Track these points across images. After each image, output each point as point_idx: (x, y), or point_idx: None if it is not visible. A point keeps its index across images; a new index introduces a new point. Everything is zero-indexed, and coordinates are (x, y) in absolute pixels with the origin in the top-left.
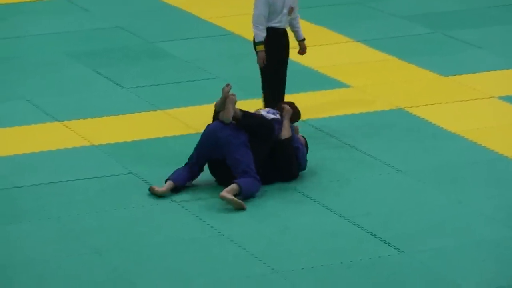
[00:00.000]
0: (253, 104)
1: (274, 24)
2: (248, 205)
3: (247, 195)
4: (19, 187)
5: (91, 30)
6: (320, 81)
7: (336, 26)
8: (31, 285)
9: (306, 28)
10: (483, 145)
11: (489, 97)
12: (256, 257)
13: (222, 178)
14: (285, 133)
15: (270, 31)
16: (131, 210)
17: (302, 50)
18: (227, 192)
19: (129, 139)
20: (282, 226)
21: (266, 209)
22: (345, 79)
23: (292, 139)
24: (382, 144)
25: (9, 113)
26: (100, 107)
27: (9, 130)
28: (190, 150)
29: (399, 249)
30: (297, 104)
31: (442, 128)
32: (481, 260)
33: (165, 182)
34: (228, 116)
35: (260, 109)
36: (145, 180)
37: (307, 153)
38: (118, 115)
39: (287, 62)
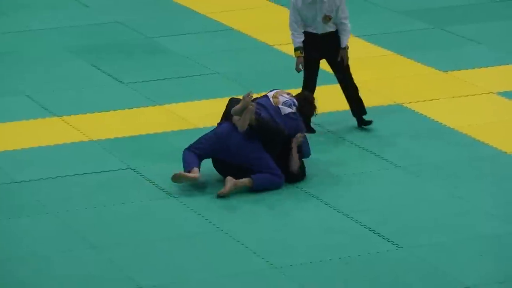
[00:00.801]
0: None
1: (310, 30)
2: (247, 201)
3: (258, 189)
4: (18, 182)
5: (90, 25)
6: (319, 76)
7: None
8: (30, 280)
9: None
10: (482, 140)
11: (488, 93)
12: (254, 253)
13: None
14: (294, 166)
15: (306, 35)
16: (129, 205)
17: (339, 59)
18: (233, 181)
19: (128, 134)
20: (281, 221)
21: (264, 205)
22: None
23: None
24: (381, 140)
25: (8, 108)
26: (99, 102)
27: (8, 125)
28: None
29: (397, 244)
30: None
31: (441, 123)
32: (480, 255)
33: (188, 171)
34: (244, 126)
35: (281, 94)
36: (144, 176)
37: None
38: (117, 110)
39: (315, 66)
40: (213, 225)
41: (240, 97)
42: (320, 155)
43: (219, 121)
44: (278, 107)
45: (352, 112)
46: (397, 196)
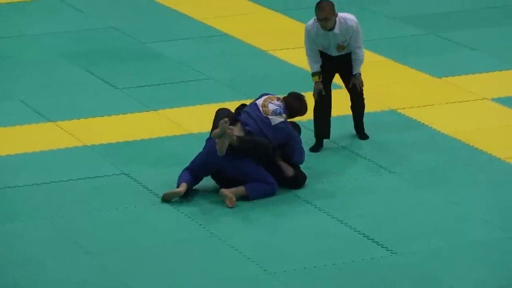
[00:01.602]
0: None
1: (326, 51)
2: (240, 206)
3: (254, 197)
4: (12, 187)
5: (84, 30)
6: (312, 82)
7: None
8: (23, 285)
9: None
10: (476, 146)
11: (482, 99)
12: (248, 258)
13: (225, 185)
14: (287, 171)
15: (322, 54)
16: (123, 211)
17: (350, 85)
18: (228, 191)
19: (121, 140)
20: (275, 227)
21: (258, 210)
22: (338, 80)
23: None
24: (375, 146)
25: (2, 113)
26: (93, 108)
27: (2, 130)
28: (183, 151)
29: (391, 250)
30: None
31: (435, 129)
32: (474, 261)
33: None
34: (222, 151)
35: (270, 102)
36: (138, 181)
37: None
38: (111, 115)
39: (328, 83)
40: (207, 230)
41: (231, 105)
42: (314, 161)
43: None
44: (268, 118)
45: (356, 130)
46: (391, 202)
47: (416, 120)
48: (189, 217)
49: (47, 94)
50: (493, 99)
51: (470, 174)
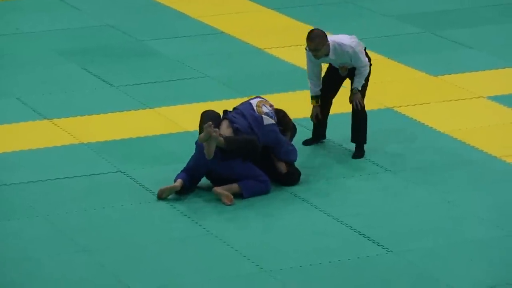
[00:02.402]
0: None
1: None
2: (236, 205)
3: (248, 195)
4: (8, 184)
5: (81, 28)
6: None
7: (326, 25)
8: (20, 283)
9: (295, 26)
10: (472, 145)
11: (478, 97)
12: (244, 256)
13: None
14: (280, 168)
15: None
16: (120, 209)
17: (350, 99)
18: (221, 188)
19: (118, 137)
20: (271, 225)
21: (254, 208)
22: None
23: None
24: (371, 144)
25: None
26: (89, 105)
27: None
28: (179, 149)
29: (387, 248)
30: (287, 103)
31: (431, 127)
32: (470, 259)
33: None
34: (210, 154)
35: (264, 104)
36: (134, 179)
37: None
38: (107, 113)
39: (330, 91)
40: (203, 228)
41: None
42: (310, 159)
43: None
44: (261, 117)
45: (352, 139)
46: (387, 200)
47: (412, 118)
48: (185, 215)
49: (43, 91)
50: (490, 98)
51: (467, 173)
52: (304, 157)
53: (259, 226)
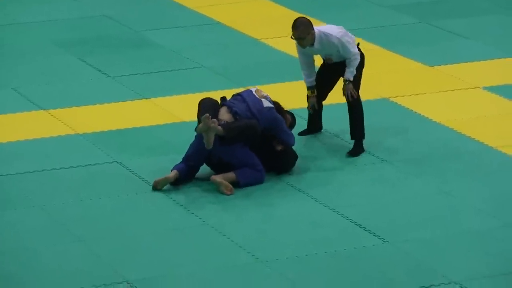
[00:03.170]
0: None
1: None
2: (234, 195)
3: (245, 183)
4: (4, 175)
5: (78, 18)
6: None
7: (321, 15)
8: (16, 273)
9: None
10: (468, 135)
11: (475, 87)
12: (240, 247)
13: (219, 170)
14: (277, 146)
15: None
16: (115, 199)
17: (343, 93)
18: (219, 177)
19: (114, 128)
20: (267, 216)
21: (251, 199)
22: None
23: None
24: (367, 134)
25: None
26: (86, 96)
27: None
28: (175, 139)
29: (383, 239)
30: (282, 93)
31: (428, 118)
32: (467, 250)
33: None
34: (209, 145)
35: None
36: (130, 169)
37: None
38: (103, 103)
39: (325, 87)
40: (200, 219)
41: (223, 93)
42: (306, 150)
43: None
44: (261, 100)
45: (351, 136)
46: (383, 190)
47: (408, 108)
48: (182, 206)
49: (40, 82)
50: (486, 88)
51: (463, 163)
52: (300, 147)
53: (256, 216)
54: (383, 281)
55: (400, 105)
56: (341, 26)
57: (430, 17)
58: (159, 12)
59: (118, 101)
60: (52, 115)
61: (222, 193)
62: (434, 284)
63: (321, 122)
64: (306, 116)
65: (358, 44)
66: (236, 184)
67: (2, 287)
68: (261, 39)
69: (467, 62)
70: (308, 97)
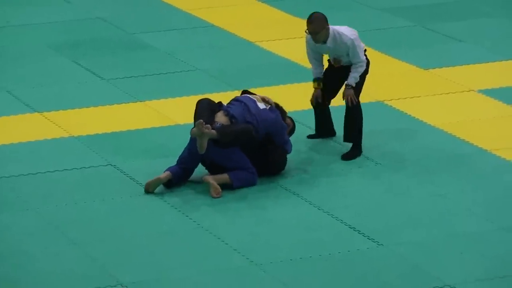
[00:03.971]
0: (231, 95)
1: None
2: (227, 198)
3: (238, 185)
4: None
5: (71, 21)
6: (299, 73)
7: None
8: (9, 276)
9: (285, 19)
10: (462, 138)
11: (469, 90)
12: (234, 249)
13: (213, 171)
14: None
15: (328, 63)
16: (110, 202)
17: (343, 98)
18: (211, 178)
19: (108, 131)
20: (261, 219)
21: (245, 201)
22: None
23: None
24: (362, 137)
25: None
26: (80, 99)
27: None
28: (169, 142)
29: (377, 242)
30: (277, 96)
31: (423, 121)
32: (461, 253)
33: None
34: (202, 149)
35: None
36: (124, 172)
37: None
38: (98, 106)
39: (329, 92)
40: (194, 221)
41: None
42: (301, 152)
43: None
44: (260, 102)
45: (344, 138)
46: (377, 193)
47: (403, 111)
48: (176, 208)
49: (34, 84)
50: (480, 91)
51: (457, 166)
52: (294, 150)
53: (250, 219)
54: (378, 284)
55: (395, 108)
56: (355, 30)
57: (425, 21)
58: (154, 14)
59: (113, 104)
60: (46, 118)
61: (210, 195)
62: (429, 287)
63: (333, 128)
64: (300, 118)
65: (365, 50)
66: (229, 186)
67: None
68: (255, 41)
69: (462, 65)
70: (314, 89)
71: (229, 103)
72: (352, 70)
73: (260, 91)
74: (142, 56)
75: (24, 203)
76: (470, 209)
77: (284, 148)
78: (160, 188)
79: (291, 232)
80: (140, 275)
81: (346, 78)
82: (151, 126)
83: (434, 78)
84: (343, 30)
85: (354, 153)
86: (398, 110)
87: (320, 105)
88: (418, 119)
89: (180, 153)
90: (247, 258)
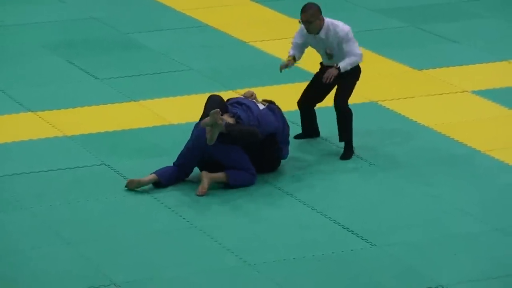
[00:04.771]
0: (225, 95)
1: (321, 58)
2: (221, 197)
3: (235, 184)
4: None
5: (66, 21)
6: (292, 74)
7: None
8: (3, 275)
9: (279, 20)
10: (456, 139)
11: (463, 91)
12: (228, 250)
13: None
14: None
15: (321, 64)
16: (103, 201)
17: (324, 72)
18: (208, 175)
19: (102, 130)
20: (255, 219)
21: (238, 202)
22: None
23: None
24: (355, 138)
25: None
26: (74, 98)
27: None
28: (163, 142)
29: (371, 242)
30: (270, 96)
31: (416, 121)
32: (454, 254)
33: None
34: (212, 140)
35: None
36: (118, 172)
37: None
38: (92, 106)
39: (317, 95)
40: (187, 221)
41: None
42: (295, 153)
43: (198, 118)
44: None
45: (339, 138)
46: (371, 194)
47: (397, 112)
48: (169, 208)
49: (28, 84)
50: (474, 92)
51: (451, 167)
52: (289, 151)
53: (243, 219)
54: (371, 285)
55: (389, 108)
56: (349, 26)
57: (419, 21)
58: (147, 14)
59: (107, 103)
60: (40, 117)
61: (196, 193)
62: None
63: (317, 128)
64: (295, 119)
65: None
66: (226, 185)
67: None
68: (249, 41)
69: (455, 66)
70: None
71: (230, 104)
72: (346, 56)
73: (254, 91)
74: (136, 56)
75: (18, 203)
76: (464, 209)
77: (282, 148)
78: (153, 187)
79: (285, 232)
80: (133, 275)
81: (335, 83)
82: (145, 126)
83: (428, 78)
84: (337, 23)
85: (350, 153)
86: (392, 110)
87: (306, 105)
88: (412, 119)
89: (174, 152)
90: (241, 258)
